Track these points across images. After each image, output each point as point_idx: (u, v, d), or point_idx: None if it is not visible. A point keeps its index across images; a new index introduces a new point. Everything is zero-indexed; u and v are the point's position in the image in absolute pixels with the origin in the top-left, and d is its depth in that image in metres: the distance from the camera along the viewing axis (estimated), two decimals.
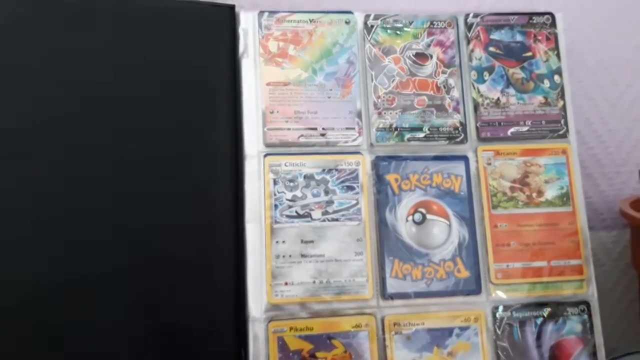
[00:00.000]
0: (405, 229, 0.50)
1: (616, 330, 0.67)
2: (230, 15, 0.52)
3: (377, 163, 0.51)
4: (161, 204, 0.47)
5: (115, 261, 0.46)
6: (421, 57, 0.53)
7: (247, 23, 0.51)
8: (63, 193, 0.46)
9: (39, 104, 0.46)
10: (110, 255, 0.46)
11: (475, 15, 0.55)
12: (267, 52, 0.51)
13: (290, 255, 0.48)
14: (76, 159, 0.46)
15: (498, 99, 0.54)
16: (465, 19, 0.55)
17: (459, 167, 0.52)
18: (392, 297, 0.49)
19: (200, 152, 0.49)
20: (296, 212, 0.49)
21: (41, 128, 0.46)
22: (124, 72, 0.48)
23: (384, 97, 0.52)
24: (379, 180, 0.51)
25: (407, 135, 0.52)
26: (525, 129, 0.54)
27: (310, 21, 0.52)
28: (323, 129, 0.51)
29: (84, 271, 0.45)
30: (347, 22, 0.53)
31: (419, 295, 0.49)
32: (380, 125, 0.52)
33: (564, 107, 0.54)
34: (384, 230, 0.50)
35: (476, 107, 0.53)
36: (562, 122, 0.54)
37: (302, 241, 0.49)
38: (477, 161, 0.52)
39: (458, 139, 0.53)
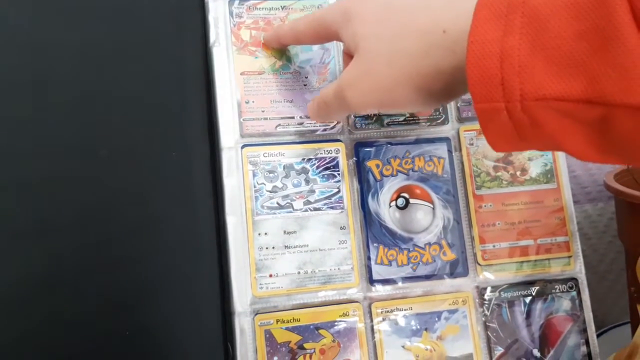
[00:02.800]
0: (388, 215, 0.50)
1: (605, 303, 0.67)
2: (199, 4, 0.50)
3: (357, 149, 0.50)
4: (138, 200, 0.47)
5: (95, 259, 0.45)
6: None
7: (217, 11, 0.50)
8: (35, 192, 0.45)
9: (3, 99, 0.45)
10: (89, 254, 0.45)
11: None
12: (239, 41, 0.50)
13: (273, 247, 0.48)
14: (44, 156, 0.45)
15: None
16: None
17: (440, 149, 0.51)
18: (379, 283, 0.48)
19: (175, 146, 0.48)
20: (277, 203, 0.48)
21: (6, 123, 0.45)
22: (91, 67, 0.47)
23: None
24: (360, 167, 0.50)
25: (387, 120, 0.51)
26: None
27: (282, 8, 0.51)
28: (300, 117, 0.50)
29: (64, 270, 0.45)
30: (319, 8, 0.51)
31: (405, 280, 0.49)
32: None
33: None
34: (367, 217, 0.49)
35: None
36: None
37: (284, 232, 0.48)
38: (459, 142, 0.52)
39: (439, 121, 0.52)
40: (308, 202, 0.48)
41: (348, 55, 0.45)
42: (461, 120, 0.52)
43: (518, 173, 0.52)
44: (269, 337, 0.46)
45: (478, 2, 0.33)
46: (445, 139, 0.52)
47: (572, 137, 0.31)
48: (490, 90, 0.32)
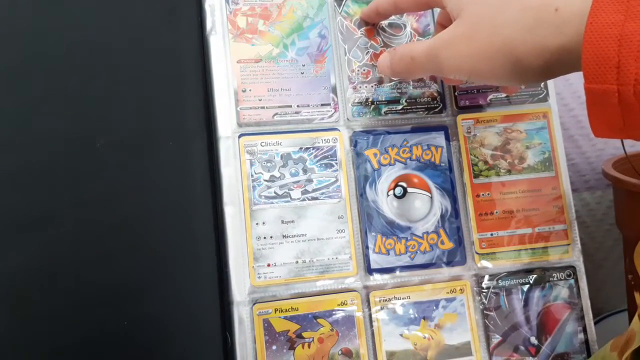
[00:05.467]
0: (386, 204, 0.49)
1: (603, 290, 0.67)
2: None
3: (354, 138, 0.50)
4: (135, 191, 0.47)
5: (93, 249, 0.45)
6: (394, 27, 0.52)
7: None
8: (31, 184, 0.45)
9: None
10: (87, 244, 0.45)
11: None
12: (236, 28, 0.50)
13: (271, 237, 0.47)
14: (42, 147, 0.45)
15: None
16: None
17: (438, 138, 0.51)
18: (377, 272, 0.48)
19: (172, 136, 0.48)
20: (275, 192, 0.48)
21: (3, 114, 0.45)
22: (87, 57, 0.47)
23: (358, 70, 0.51)
24: (358, 155, 0.50)
25: (384, 109, 0.51)
26: (504, 94, 0.53)
27: None
28: (298, 106, 0.49)
29: (62, 261, 0.45)
30: None
31: (403, 269, 0.49)
32: (356, 100, 0.50)
33: None
34: (365, 206, 0.49)
35: None
36: (542, 85, 0.53)
37: (282, 222, 0.48)
38: (457, 131, 0.52)
39: (436, 109, 0.52)
40: (306, 192, 0.48)
41: (442, 26, 0.45)
42: (459, 108, 0.52)
43: (516, 161, 0.52)
44: (268, 327, 0.46)
45: None
46: (443, 128, 0.51)
47: None
48: (605, 72, 0.33)
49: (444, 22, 0.47)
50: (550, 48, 0.36)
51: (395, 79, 0.51)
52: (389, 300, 0.48)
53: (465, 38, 0.40)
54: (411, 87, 0.51)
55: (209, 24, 0.49)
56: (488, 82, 0.44)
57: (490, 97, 0.52)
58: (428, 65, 0.44)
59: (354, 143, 0.50)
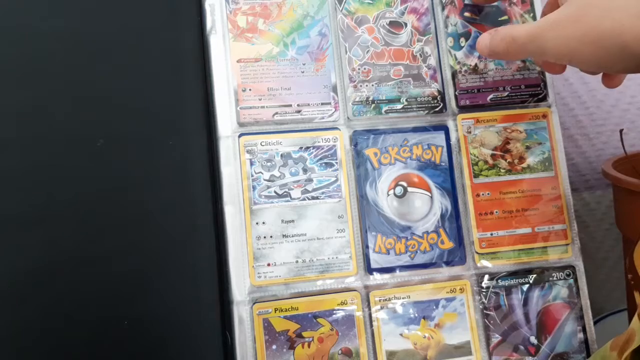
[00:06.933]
0: (386, 204, 0.49)
1: (603, 290, 0.67)
2: None
3: (355, 138, 0.50)
4: (136, 190, 0.47)
5: (93, 249, 0.45)
6: (395, 25, 0.52)
7: None
8: (30, 181, 0.45)
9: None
10: (88, 243, 0.45)
11: None
12: (236, 28, 0.50)
13: (271, 236, 0.47)
14: (42, 145, 0.45)
15: (476, 65, 0.53)
16: None
17: (438, 138, 0.51)
18: (377, 272, 0.48)
19: (172, 135, 0.48)
20: (275, 192, 0.48)
21: (3, 113, 0.45)
22: (87, 56, 0.47)
23: (359, 69, 0.51)
24: (358, 155, 0.50)
25: (385, 108, 0.51)
26: (504, 94, 0.53)
27: None
28: (298, 105, 0.49)
29: (62, 260, 0.45)
30: None
31: (403, 268, 0.49)
32: (357, 99, 0.50)
33: (542, 71, 0.53)
34: (365, 206, 0.49)
35: (454, 74, 0.52)
36: (542, 85, 0.53)
37: (282, 221, 0.48)
38: (457, 130, 0.52)
39: (437, 109, 0.52)
40: (306, 191, 0.48)
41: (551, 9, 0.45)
42: (459, 108, 0.52)
43: (516, 161, 0.52)
44: (268, 326, 0.46)
45: None
46: (443, 127, 0.51)
47: None
48: None
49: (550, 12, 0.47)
50: None
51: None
52: (389, 299, 0.48)
53: (573, 19, 0.40)
54: (412, 87, 0.51)
55: (209, 24, 0.49)
56: (590, 68, 0.44)
57: (490, 97, 0.52)
58: (530, 47, 0.43)
59: (354, 142, 0.50)
